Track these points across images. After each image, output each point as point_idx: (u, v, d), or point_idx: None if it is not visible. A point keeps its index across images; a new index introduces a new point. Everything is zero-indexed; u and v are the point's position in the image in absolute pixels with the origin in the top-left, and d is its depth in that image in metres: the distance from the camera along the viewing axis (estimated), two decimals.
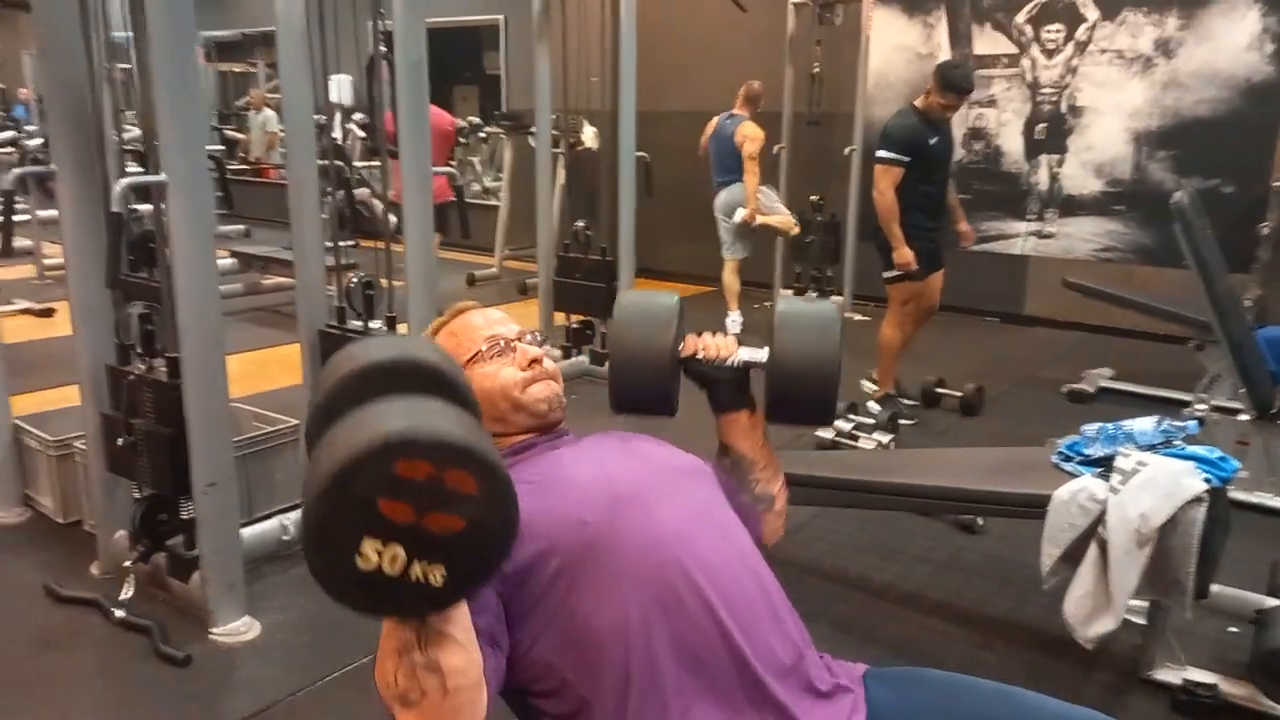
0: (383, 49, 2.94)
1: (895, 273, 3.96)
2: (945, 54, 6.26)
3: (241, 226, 7.34)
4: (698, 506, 1.24)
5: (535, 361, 1.32)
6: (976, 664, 2.28)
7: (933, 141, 3.90)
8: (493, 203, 7.91)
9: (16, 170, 3.34)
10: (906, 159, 3.83)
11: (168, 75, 2.11)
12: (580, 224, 4.59)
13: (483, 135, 8.79)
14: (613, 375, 1.33)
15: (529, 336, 1.36)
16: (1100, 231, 5.89)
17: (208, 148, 2.66)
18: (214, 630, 2.35)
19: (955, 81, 3.87)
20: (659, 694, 1.07)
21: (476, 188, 9.44)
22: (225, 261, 6.60)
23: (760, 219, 5.60)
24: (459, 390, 0.91)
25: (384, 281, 2.94)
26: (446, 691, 0.88)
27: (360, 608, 0.83)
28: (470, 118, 8.81)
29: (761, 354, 1.36)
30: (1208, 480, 1.97)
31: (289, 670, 2.24)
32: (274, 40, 2.85)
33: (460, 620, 0.89)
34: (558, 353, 4.63)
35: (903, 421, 4.01)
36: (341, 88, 5.84)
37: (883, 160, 3.87)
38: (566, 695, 1.10)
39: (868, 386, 4.30)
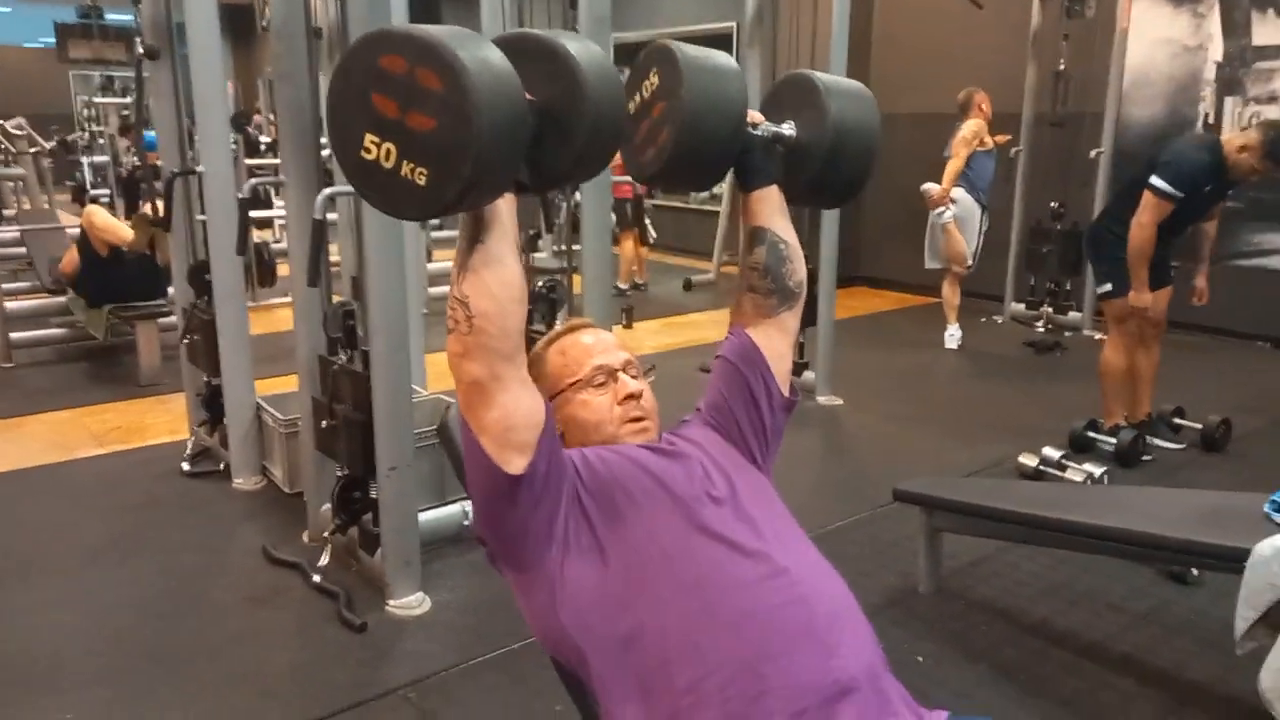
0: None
1: (1108, 287, 3.59)
2: (1218, 46, 5.58)
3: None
4: (752, 512, 1.23)
5: (632, 397, 1.34)
6: None
7: (1208, 189, 3.43)
8: (713, 209, 7.99)
9: (251, 182, 3.81)
10: (1182, 196, 3.36)
11: None
12: None
13: None
14: (684, 121, 1.27)
15: (633, 369, 1.38)
16: None
17: None
18: (390, 602, 2.57)
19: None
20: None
21: (704, 194, 9.58)
22: (442, 265, 7.11)
23: (946, 219, 5.34)
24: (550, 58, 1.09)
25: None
26: (471, 327, 1.08)
27: (369, 198, 1.02)
28: None
29: (788, 128, 1.40)
30: None
31: (448, 647, 2.40)
32: None
33: (488, 263, 1.08)
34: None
35: (1145, 457, 3.63)
36: None
37: (1158, 192, 3.37)
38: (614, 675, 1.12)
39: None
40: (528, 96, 1.03)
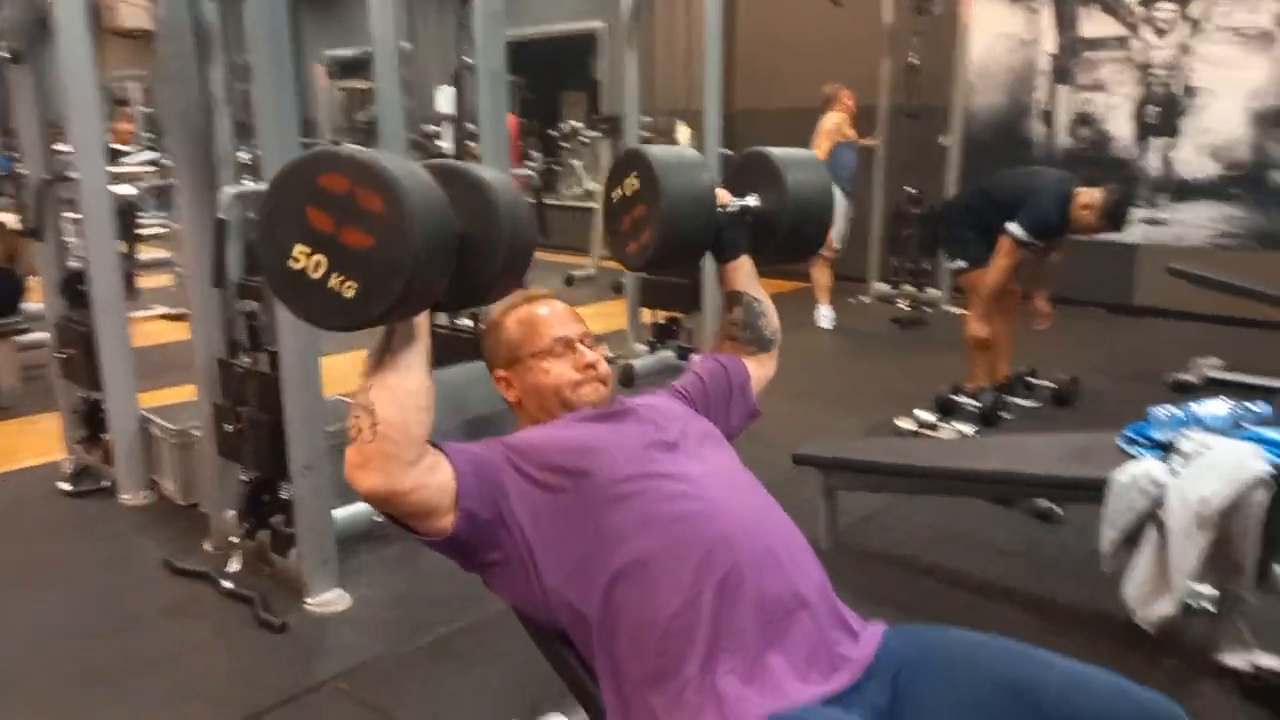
0: (469, 60, 3.12)
1: (962, 264, 3.88)
2: (1051, 39, 6.08)
3: None
4: (715, 459, 1.36)
5: (590, 366, 1.44)
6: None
7: (1056, 233, 3.74)
8: (590, 205, 8.11)
9: (231, 190, 3.68)
10: (1035, 242, 3.68)
11: (268, 88, 2.32)
12: None
13: (585, 139, 9.02)
14: (664, 229, 1.44)
15: (589, 339, 1.47)
16: (1217, 217, 5.61)
17: None
18: (308, 601, 2.56)
19: (1117, 217, 3.66)
20: (687, 621, 1.16)
21: (579, 190, 9.69)
22: None
23: None
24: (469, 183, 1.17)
25: None
26: (375, 435, 1.11)
27: (292, 307, 1.05)
28: (573, 122, 9.06)
29: (752, 200, 1.56)
30: (1275, 464, 1.91)
31: (375, 638, 2.42)
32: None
33: (399, 374, 1.12)
34: (643, 347, 4.76)
35: (1005, 415, 3.95)
36: (448, 99, 6.14)
37: (1017, 239, 3.65)
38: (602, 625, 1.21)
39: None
40: None
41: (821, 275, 5.88)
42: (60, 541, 3.05)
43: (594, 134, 8.30)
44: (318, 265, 1.01)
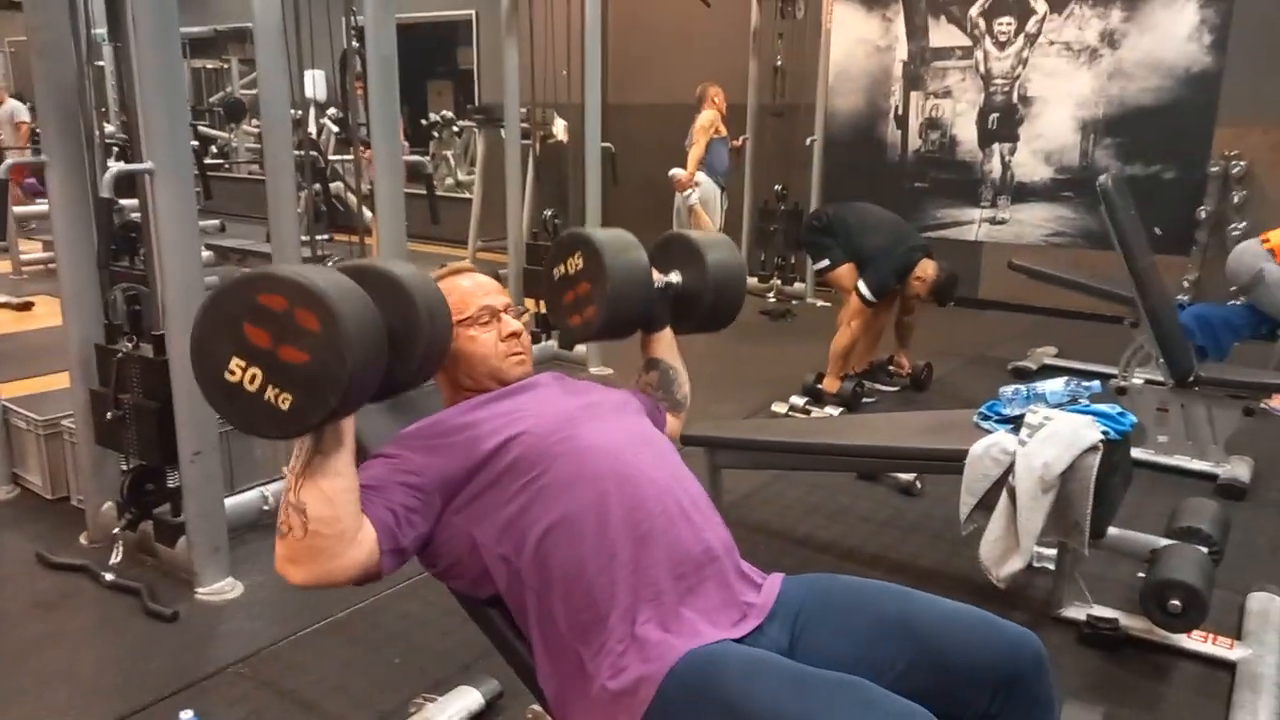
0: (355, 44, 3.09)
1: (825, 263, 4.20)
2: (904, 46, 6.48)
3: (216, 221, 7.45)
4: (632, 425, 1.47)
5: (515, 335, 1.52)
6: None
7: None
8: (466, 195, 8.06)
9: (9, 161, 3.47)
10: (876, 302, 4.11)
11: (154, 67, 2.27)
12: (549, 213, 4.76)
13: (456, 129, 8.94)
14: (609, 306, 1.55)
15: (512, 309, 1.56)
16: (1050, 217, 6.14)
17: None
18: (200, 590, 2.52)
19: (944, 296, 4.17)
20: (606, 571, 1.27)
21: (450, 181, 9.58)
22: (203, 254, 6.72)
23: (693, 201, 5.88)
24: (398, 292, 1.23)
25: None
26: (306, 532, 1.13)
27: (225, 415, 1.09)
28: (444, 112, 8.96)
29: (675, 276, 1.71)
30: (1105, 432, 2.18)
31: (272, 623, 2.41)
32: (246, 36, 2.99)
33: (329, 476, 1.15)
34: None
35: (867, 399, 4.24)
36: (316, 83, 5.97)
37: (863, 298, 4.10)
38: (533, 590, 1.30)
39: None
40: None
41: None
42: None
43: (467, 124, 8.25)
44: (253, 378, 1.05)
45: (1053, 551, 2.42)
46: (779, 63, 6.63)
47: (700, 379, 4.98)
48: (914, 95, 6.54)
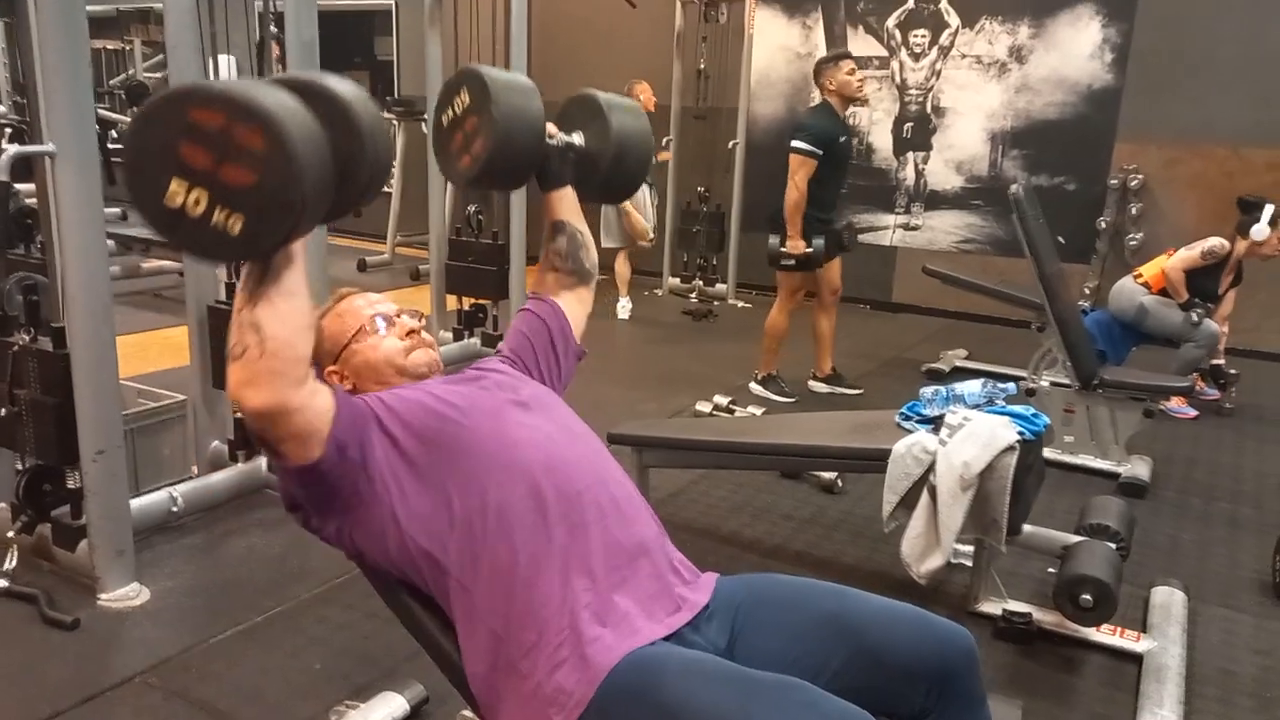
0: (273, 29, 2.99)
1: (791, 262, 4.13)
2: (823, 53, 6.61)
3: (118, 210, 7.11)
4: (562, 419, 1.45)
5: (414, 332, 1.50)
6: None
7: (842, 139, 4.13)
8: (385, 189, 7.89)
9: (10, 150, 3.25)
10: (820, 152, 4.01)
11: (57, 45, 2.14)
12: (472, 208, 4.69)
13: None
14: (496, 135, 1.45)
15: (408, 312, 1.53)
16: (960, 224, 6.34)
17: None
18: (102, 596, 2.39)
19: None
20: (534, 565, 1.25)
21: None
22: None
23: (627, 208, 5.83)
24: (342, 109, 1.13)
25: None
26: (263, 353, 1.10)
27: (173, 243, 1.03)
28: None
29: (578, 138, 1.65)
30: (1020, 433, 2.26)
31: (181, 630, 2.31)
32: (150, 17, 2.86)
33: (284, 294, 1.11)
34: (448, 334, 4.74)
35: (783, 399, 4.32)
36: (229, 69, 5.77)
37: (798, 151, 4.01)
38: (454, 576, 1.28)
39: (753, 386, 4.46)
40: None
41: (623, 268, 6.08)
42: None
43: (388, 116, 8.06)
44: (197, 201, 0.98)
45: (969, 548, 2.49)
46: (702, 66, 6.68)
47: (624, 378, 5.02)
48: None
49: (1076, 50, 5.81)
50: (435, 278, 4.83)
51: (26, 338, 2.43)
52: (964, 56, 6.16)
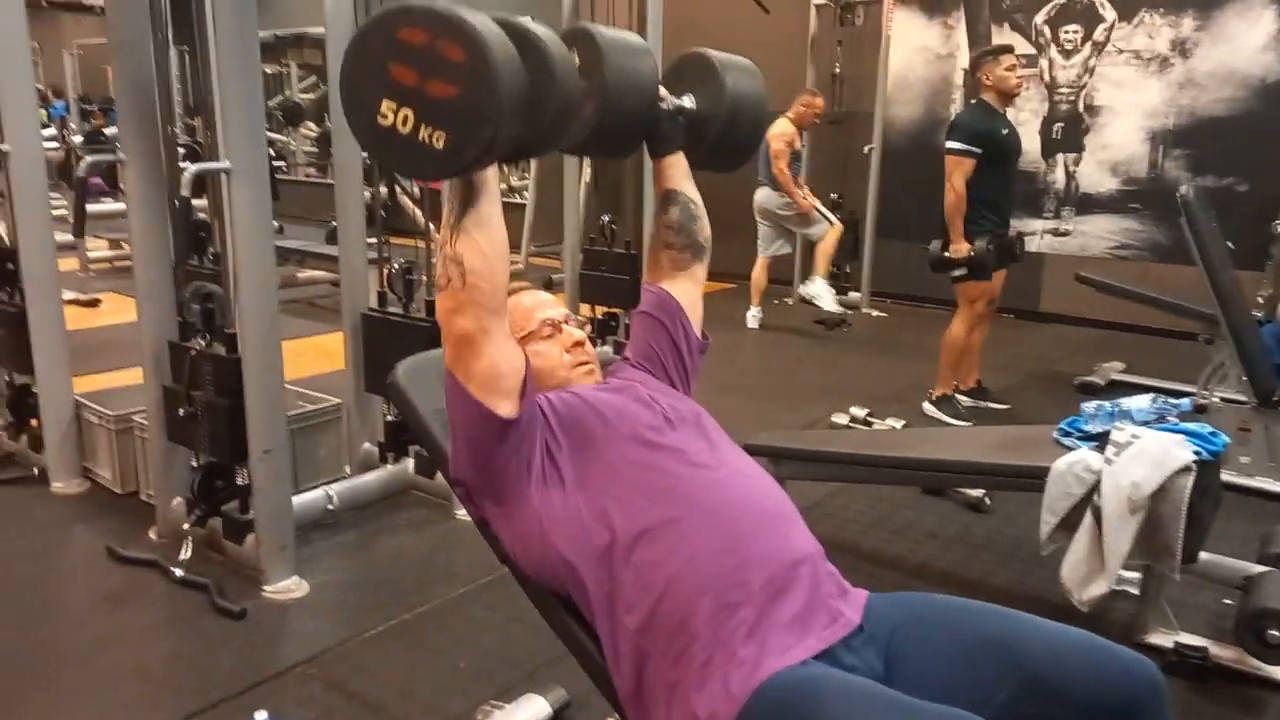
0: None
1: (962, 271, 3.94)
2: (964, 55, 6.38)
3: (275, 223, 7.54)
4: (712, 432, 1.44)
5: (579, 344, 1.50)
6: None
7: (1004, 133, 3.92)
8: (519, 200, 8.09)
9: (90, 158, 3.54)
10: (976, 150, 3.83)
11: (234, 68, 2.28)
12: (606, 218, 4.74)
13: None
14: (607, 99, 1.39)
15: (573, 320, 1.54)
16: (1116, 229, 5.99)
17: None
18: (266, 588, 2.53)
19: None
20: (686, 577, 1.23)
21: (503, 186, 9.62)
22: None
23: (817, 231, 5.75)
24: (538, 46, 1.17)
25: (424, 276, 3.11)
26: (465, 283, 1.18)
27: (384, 161, 1.16)
28: None
29: (688, 101, 1.57)
30: (1197, 452, 2.10)
31: (337, 623, 2.41)
32: (304, 42, 3.01)
33: (480, 226, 1.18)
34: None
35: (958, 423, 4.06)
36: None
37: (952, 151, 3.86)
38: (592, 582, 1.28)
39: (926, 407, 4.21)
40: None
41: (760, 277, 5.98)
42: None
43: None
44: (405, 119, 1.04)
45: (1136, 575, 2.33)
46: (837, 70, 6.56)
47: (756, 389, 4.97)
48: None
49: (1247, 42, 5.41)
50: (569, 286, 4.90)
51: (203, 343, 2.60)
52: (1121, 52, 5.83)
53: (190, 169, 2.38)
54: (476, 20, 1.05)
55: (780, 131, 5.65)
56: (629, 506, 1.28)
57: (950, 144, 3.89)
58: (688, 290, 1.62)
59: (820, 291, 5.87)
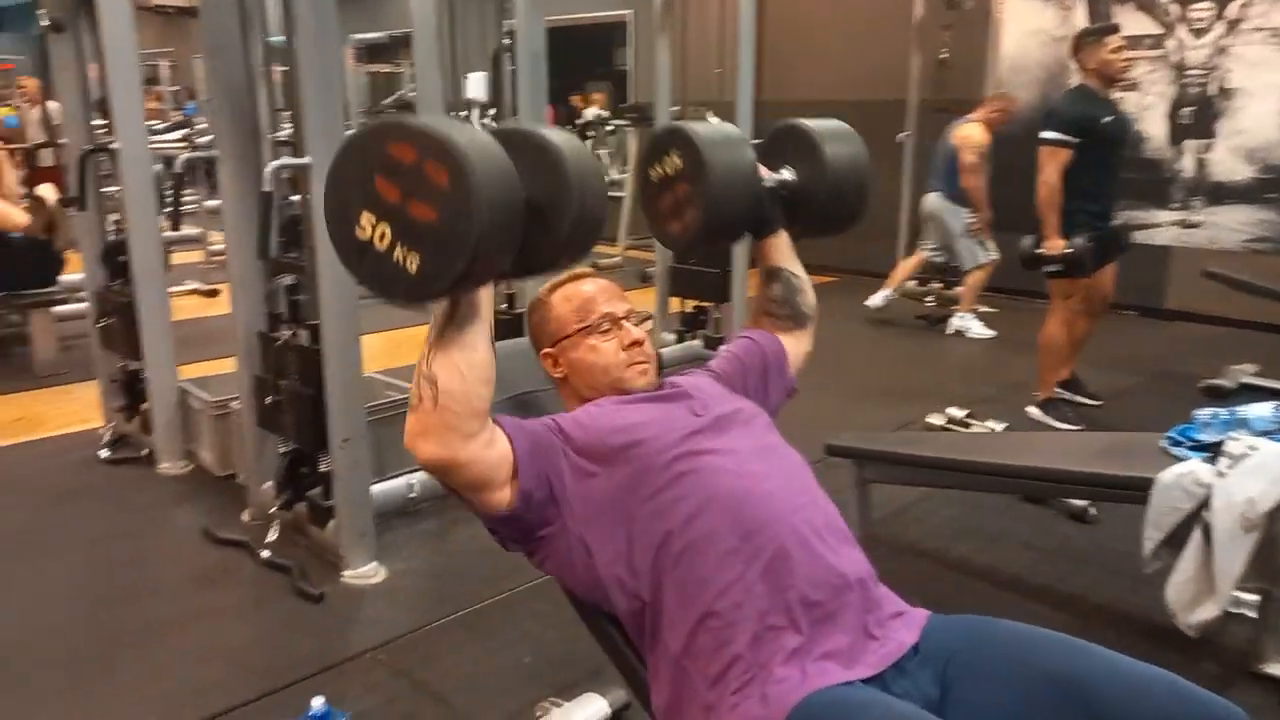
0: (506, 43, 3.12)
1: (1057, 266, 3.68)
2: None
3: None
4: (763, 441, 1.37)
5: (636, 344, 1.44)
6: None
7: (1107, 120, 3.66)
8: (617, 194, 8.10)
9: (185, 155, 3.70)
10: (1073, 140, 3.59)
11: (313, 68, 2.33)
12: None
13: (610, 128, 9.00)
14: (710, 206, 1.42)
15: (635, 317, 1.48)
16: (1251, 221, 5.55)
17: None
18: (345, 573, 2.59)
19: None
20: (718, 595, 1.17)
21: (606, 178, 9.66)
22: None
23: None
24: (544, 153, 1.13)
25: None
26: (436, 406, 1.12)
27: (357, 275, 1.05)
28: (599, 111, 9.04)
29: (788, 174, 1.55)
30: None
31: (411, 611, 2.44)
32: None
33: (462, 348, 1.12)
34: (670, 336, 4.76)
35: (1067, 427, 3.81)
36: (478, 84, 6.12)
37: (1045, 142, 3.63)
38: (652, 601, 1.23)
39: (1032, 411, 3.95)
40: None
41: (977, 285, 5.58)
42: (95, 507, 3.09)
43: (621, 123, 8.29)
44: (383, 236, 1.00)
45: (1254, 598, 2.14)
46: (944, 56, 6.30)
47: (849, 386, 4.83)
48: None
49: None
50: (660, 280, 4.87)
51: (289, 333, 2.67)
52: (1259, 30, 5.39)
53: (271, 164, 2.44)
54: (472, 144, 1.00)
55: (972, 140, 5.27)
56: (661, 520, 1.23)
57: (1044, 133, 3.64)
58: (791, 345, 1.61)
59: (971, 323, 5.56)
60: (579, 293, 1.47)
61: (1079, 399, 4.07)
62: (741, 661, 1.15)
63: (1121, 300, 5.89)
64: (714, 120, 6.23)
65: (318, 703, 1.73)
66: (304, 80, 2.35)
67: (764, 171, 1.54)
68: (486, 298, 1.17)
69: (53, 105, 8.81)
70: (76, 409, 3.96)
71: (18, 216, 4.38)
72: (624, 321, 1.45)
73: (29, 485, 3.25)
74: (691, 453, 1.28)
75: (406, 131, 1.00)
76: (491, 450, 1.19)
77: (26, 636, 2.35)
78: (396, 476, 3.02)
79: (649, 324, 1.52)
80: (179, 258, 7.23)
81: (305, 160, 2.36)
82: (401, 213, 0.99)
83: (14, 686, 2.14)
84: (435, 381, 1.12)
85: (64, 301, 4.53)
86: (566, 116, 9.34)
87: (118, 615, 2.44)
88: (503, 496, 1.23)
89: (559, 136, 1.17)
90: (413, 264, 0.99)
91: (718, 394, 1.44)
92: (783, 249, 1.61)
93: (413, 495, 2.96)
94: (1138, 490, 2.10)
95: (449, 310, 1.13)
